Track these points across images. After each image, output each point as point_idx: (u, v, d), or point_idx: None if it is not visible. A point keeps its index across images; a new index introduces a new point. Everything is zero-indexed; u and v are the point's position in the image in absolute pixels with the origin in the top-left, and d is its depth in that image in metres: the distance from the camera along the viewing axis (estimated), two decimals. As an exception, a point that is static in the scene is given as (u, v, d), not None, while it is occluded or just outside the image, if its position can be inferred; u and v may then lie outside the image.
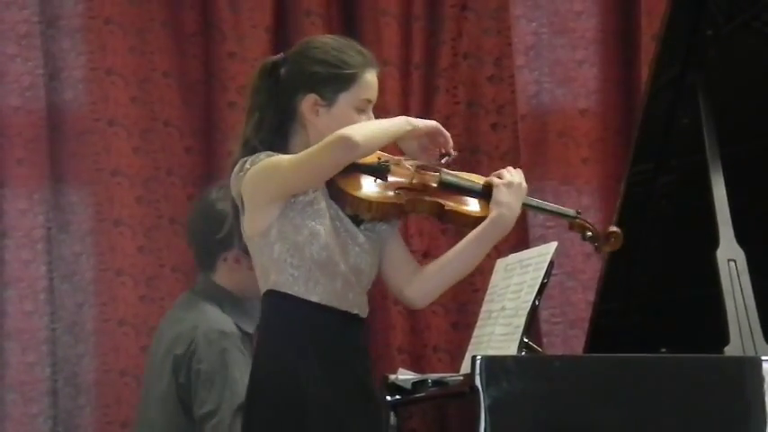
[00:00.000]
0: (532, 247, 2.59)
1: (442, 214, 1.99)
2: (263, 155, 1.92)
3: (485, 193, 2.00)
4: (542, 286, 2.05)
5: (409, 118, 1.97)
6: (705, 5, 2.15)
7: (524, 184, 2.00)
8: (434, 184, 1.99)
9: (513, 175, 2.00)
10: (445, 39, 3.10)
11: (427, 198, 1.98)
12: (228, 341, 2.41)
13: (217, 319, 2.45)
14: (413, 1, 3.09)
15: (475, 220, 1.99)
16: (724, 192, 2.08)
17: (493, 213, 1.97)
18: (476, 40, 3.10)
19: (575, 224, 2.06)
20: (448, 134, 1.98)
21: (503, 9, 3.09)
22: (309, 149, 1.90)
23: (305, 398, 1.90)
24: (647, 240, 2.31)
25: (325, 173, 1.91)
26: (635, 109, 2.99)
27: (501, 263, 2.25)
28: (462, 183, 2.01)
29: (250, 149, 1.94)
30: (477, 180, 2.03)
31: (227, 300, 2.49)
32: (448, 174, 2.00)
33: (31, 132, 3.08)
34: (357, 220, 1.98)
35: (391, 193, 1.95)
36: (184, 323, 2.47)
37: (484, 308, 2.23)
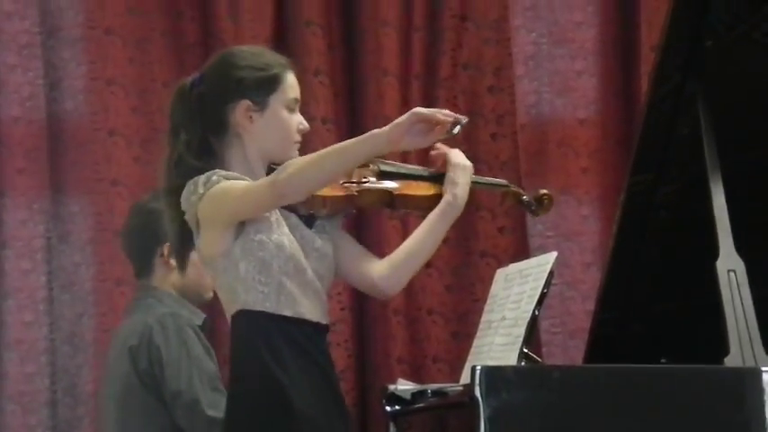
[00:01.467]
0: (532, 256, 2.59)
1: (393, 200, 2.00)
2: (215, 176, 1.91)
3: (428, 176, 2.03)
4: (542, 296, 2.04)
5: (381, 132, 1.85)
6: (705, 16, 2.15)
7: (470, 164, 2.02)
8: (374, 176, 2.00)
9: (459, 156, 2.02)
10: (445, 49, 3.10)
11: (374, 187, 1.99)
12: (181, 320, 2.44)
13: (163, 306, 2.49)
14: (413, 11, 3.10)
15: (427, 201, 2.01)
16: (724, 202, 2.07)
17: (448, 195, 1.99)
18: (476, 50, 3.11)
19: (508, 193, 2.13)
20: (430, 113, 1.88)
21: (502, 19, 3.10)
22: (257, 184, 1.88)
23: (293, 410, 1.89)
24: (646, 250, 2.31)
25: (267, 209, 1.91)
26: (634, 119, 3.00)
27: (501, 273, 2.25)
28: (401, 169, 2.03)
29: (185, 168, 1.93)
30: (417, 166, 2.06)
31: (166, 296, 2.52)
32: (384, 163, 2.02)
33: (32, 142, 3.08)
34: (310, 222, 1.98)
35: (341, 187, 1.97)
36: (132, 321, 2.50)
37: (484, 318, 2.22)
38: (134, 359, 2.43)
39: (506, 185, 2.14)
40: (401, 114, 3.06)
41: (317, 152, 1.88)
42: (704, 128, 2.13)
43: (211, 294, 2.51)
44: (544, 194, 2.12)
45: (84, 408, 3.05)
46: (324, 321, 1.98)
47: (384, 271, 2.00)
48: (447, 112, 1.91)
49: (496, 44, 3.10)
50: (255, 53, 2.00)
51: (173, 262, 2.49)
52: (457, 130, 1.91)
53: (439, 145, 2.03)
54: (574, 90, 3.10)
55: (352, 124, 3.09)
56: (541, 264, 2.10)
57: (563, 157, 3.10)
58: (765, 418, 1.88)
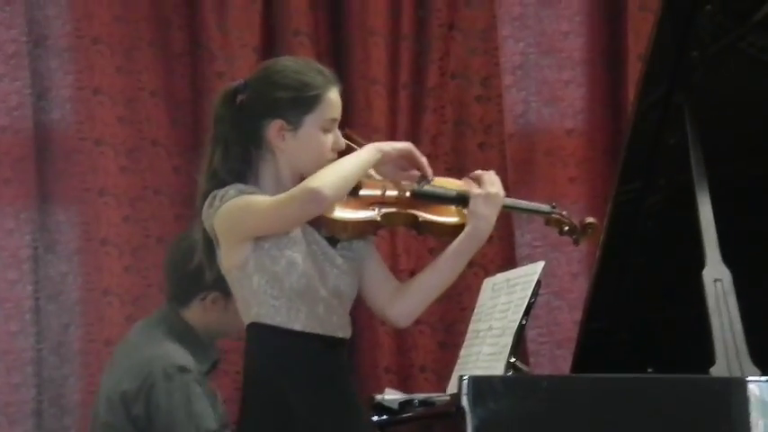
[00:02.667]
0: (520, 266, 2.59)
1: (418, 225, 1.99)
2: (232, 190, 1.91)
3: (460, 200, 2.00)
4: (529, 306, 2.04)
5: (378, 144, 1.94)
6: (691, 26, 2.16)
7: (502, 193, 1.99)
8: (407, 195, 1.98)
9: (492, 183, 1.99)
10: (433, 58, 3.11)
11: (401, 210, 1.97)
12: (189, 376, 2.40)
13: (176, 353, 2.43)
14: (401, 21, 3.11)
15: (452, 229, 1.98)
16: (710, 212, 2.08)
17: (468, 227, 1.97)
18: (463, 60, 3.12)
19: (551, 219, 2.07)
20: (420, 155, 1.96)
21: (490, 29, 3.11)
22: (280, 198, 1.88)
23: (298, 425, 1.89)
24: (633, 260, 2.31)
25: (294, 224, 1.91)
26: (622, 129, 3.00)
27: (488, 282, 2.25)
28: (436, 191, 2.00)
29: (219, 181, 1.93)
30: (452, 186, 2.02)
31: (188, 336, 2.47)
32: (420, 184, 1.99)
33: (19, 152, 3.08)
34: (333, 241, 1.98)
35: (365, 211, 1.95)
36: (139, 355, 2.44)
37: (471, 327, 2.22)
38: (127, 403, 2.39)
39: (548, 212, 2.07)
40: (388, 123, 3.11)
41: (335, 164, 1.90)
42: (691, 138, 2.14)
43: (238, 333, 2.46)
44: (589, 223, 2.05)
45: (71, 418, 3.03)
46: (340, 335, 1.96)
47: (396, 302, 1.98)
48: (427, 165, 1.95)
49: (484, 54, 3.11)
50: (297, 71, 1.96)
51: (212, 307, 2.44)
52: (422, 184, 1.96)
53: (475, 173, 2.02)
54: (561, 100, 3.11)
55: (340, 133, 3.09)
56: (529, 273, 2.10)
57: (550, 167, 3.11)
58: (750, 427, 1.88)
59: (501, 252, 3.07)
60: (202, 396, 2.38)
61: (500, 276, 2.22)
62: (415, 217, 1.97)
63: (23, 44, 3.08)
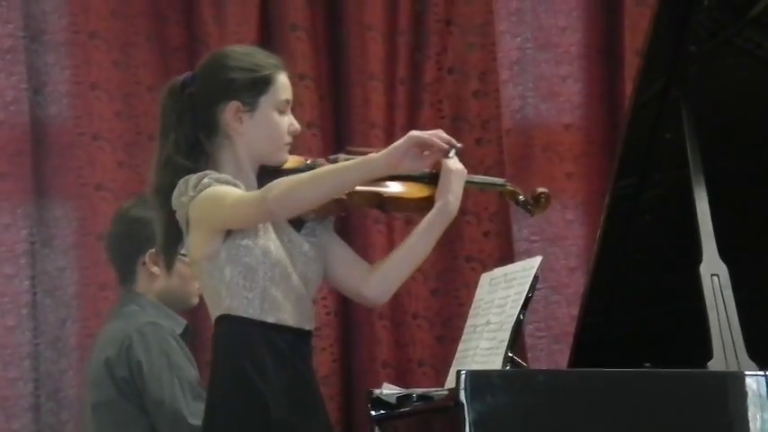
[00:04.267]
0: (517, 261, 2.59)
1: (382, 203, 1.98)
2: (206, 178, 1.90)
3: (421, 176, 1.99)
4: (527, 300, 2.05)
5: (375, 158, 1.84)
6: (688, 21, 2.16)
7: (463, 168, 1.98)
8: None
9: (453, 160, 1.97)
10: (430, 54, 3.11)
11: (363, 189, 1.95)
12: (162, 330, 2.43)
13: (144, 315, 2.48)
14: (398, 16, 3.10)
15: (417, 203, 1.98)
16: (707, 206, 2.08)
17: (439, 202, 1.95)
18: (460, 55, 3.11)
19: (505, 191, 2.09)
20: (426, 137, 1.89)
21: (487, 24, 3.10)
22: (245, 197, 1.87)
23: (270, 417, 1.89)
24: (631, 254, 2.32)
25: (253, 225, 1.90)
26: (619, 124, 3.01)
27: (486, 277, 2.25)
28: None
29: (174, 167, 1.91)
30: None
31: (151, 306, 2.51)
32: None
33: (15, 147, 3.07)
34: (298, 225, 1.97)
35: None
36: (111, 329, 2.49)
37: (468, 322, 2.22)
38: (111, 369, 2.41)
39: (502, 184, 2.11)
40: (385, 119, 3.11)
41: (312, 172, 1.88)
42: (687, 132, 2.14)
43: (196, 301, 2.51)
44: (541, 193, 2.08)
45: (68, 412, 3.03)
46: (307, 327, 1.96)
47: (371, 280, 1.98)
48: (443, 135, 1.91)
49: (481, 49, 3.11)
50: (247, 54, 1.98)
51: (155, 269, 2.49)
52: (452, 154, 1.93)
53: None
54: (558, 95, 3.11)
55: (338, 129, 3.09)
56: (526, 268, 2.10)
57: (548, 162, 3.11)
58: (748, 421, 1.88)
59: (498, 247, 3.07)
60: (179, 350, 2.41)
61: (498, 271, 2.22)
62: (379, 194, 1.97)
63: (20, 39, 3.06)
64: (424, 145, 1.90)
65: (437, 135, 1.90)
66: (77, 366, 3.03)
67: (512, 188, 2.10)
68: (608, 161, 2.95)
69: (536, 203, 2.09)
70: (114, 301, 3.02)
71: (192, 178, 1.90)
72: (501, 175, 3.05)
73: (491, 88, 3.10)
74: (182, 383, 2.38)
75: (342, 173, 1.86)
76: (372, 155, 1.88)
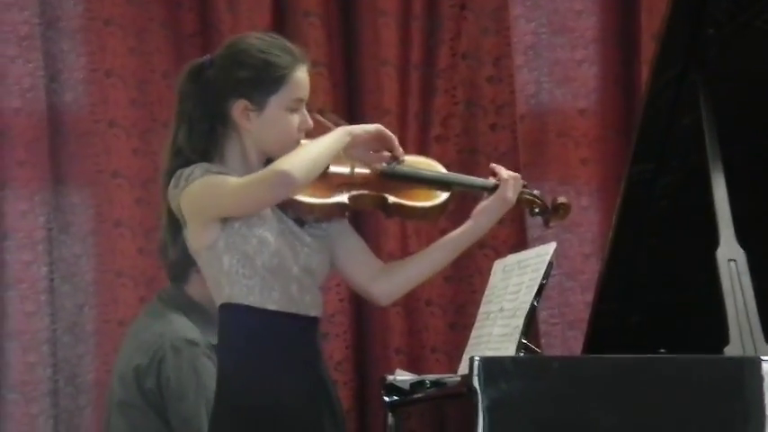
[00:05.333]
0: (531, 247, 2.58)
1: (386, 207, 1.96)
2: (197, 169, 1.89)
3: (431, 182, 1.97)
4: (541, 287, 2.03)
5: (347, 127, 1.91)
6: (706, 4, 2.13)
7: (513, 197, 1.97)
8: (375, 176, 1.95)
9: (513, 190, 1.97)
10: (444, 39, 3.09)
11: (370, 192, 1.94)
12: (197, 349, 2.42)
13: (184, 328, 2.45)
14: (411, 1, 3.08)
15: (421, 211, 1.96)
16: (725, 192, 2.06)
17: (472, 223, 1.96)
18: (475, 40, 3.09)
19: (521, 200, 2.03)
20: (392, 135, 1.94)
21: (502, 9, 3.08)
22: (248, 179, 1.86)
23: (274, 404, 1.89)
24: (646, 241, 2.30)
25: (262, 206, 1.89)
26: (635, 109, 2.98)
27: (499, 264, 2.24)
28: (406, 172, 1.96)
29: (183, 160, 1.91)
30: (424, 167, 1.99)
31: (194, 310, 2.48)
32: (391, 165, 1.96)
33: (32, 134, 3.08)
34: (300, 222, 1.96)
35: (333, 194, 1.92)
36: (149, 331, 2.47)
37: (482, 309, 2.22)
38: (139, 377, 2.41)
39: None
40: (399, 104, 3.09)
41: (304, 147, 1.88)
42: (705, 117, 2.12)
43: None
44: (561, 204, 2.03)
45: (86, 397, 3.06)
46: (312, 313, 1.95)
47: (380, 279, 1.98)
48: (398, 146, 1.94)
49: (496, 34, 3.09)
50: (263, 50, 1.92)
51: None
52: (393, 165, 1.93)
53: (494, 166, 2.00)
54: (574, 80, 3.09)
55: (351, 115, 3.08)
56: (540, 255, 2.09)
57: (563, 148, 3.09)
58: (765, 406, 1.87)
59: (512, 233, 3.06)
60: (210, 368, 2.39)
61: (511, 258, 2.21)
62: (384, 199, 1.95)
63: (36, 26, 3.07)
64: (388, 142, 1.93)
65: (396, 141, 1.94)
66: (95, 352, 3.05)
67: (528, 197, 2.03)
68: (624, 146, 2.93)
69: (554, 213, 2.05)
70: (131, 288, 3.05)
71: (186, 170, 1.89)
72: (515, 162, 3.04)
73: (505, 73, 3.09)
74: (207, 404, 2.37)
75: (323, 141, 1.89)
76: (345, 127, 1.90)
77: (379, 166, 1.94)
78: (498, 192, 1.97)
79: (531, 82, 3.09)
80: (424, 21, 3.09)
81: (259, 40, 1.96)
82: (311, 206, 1.91)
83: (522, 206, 2.05)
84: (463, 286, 3.03)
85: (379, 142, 1.94)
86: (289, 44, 1.97)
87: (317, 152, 1.87)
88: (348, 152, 1.93)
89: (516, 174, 2.00)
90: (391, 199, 1.95)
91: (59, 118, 3.10)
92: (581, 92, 3.09)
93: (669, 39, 2.15)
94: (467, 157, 3.05)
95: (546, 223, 2.08)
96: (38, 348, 3.03)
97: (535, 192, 2.05)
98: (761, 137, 2.25)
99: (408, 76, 3.08)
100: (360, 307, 3.06)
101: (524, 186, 2.03)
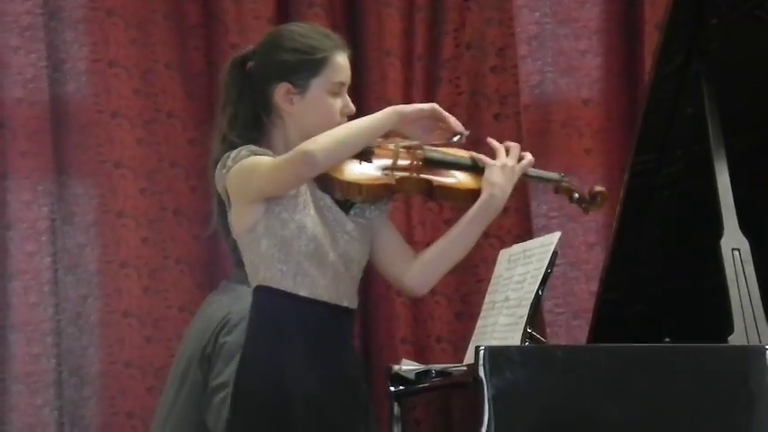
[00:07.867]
0: (536, 237, 2.58)
1: (432, 191, 1.98)
2: (244, 150, 1.91)
3: (473, 167, 2.00)
4: (546, 276, 2.04)
5: (398, 107, 1.94)
6: (709, -6, 2.14)
7: (517, 167, 1.99)
8: (419, 162, 1.97)
9: (509, 157, 1.99)
10: (448, 29, 3.09)
11: (415, 176, 1.96)
12: None
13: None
14: (415, -8, 3.09)
15: (466, 195, 1.98)
16: (728, 181, 2.07)
17: (484, 194, 1.96)
18: (478, 30, 3.09)
19: (560, 187, 2.07)
20: (448, 114, 1.95)
21: (505, -1, 3.09)
22: (278, 159, 1.89)
23: (290, 393, 1.89)
24: (650, 230, 2.31)
25: (290, 185, 1.90)
26: (638, 99, 2.99)
27: (504, 253, 2.25)
28: (448, 158, 1.99)
29: (228, 145, 1.94)
30: (465, 155, 2.02)
31: None
32: (432, 150, 1.99)
33: (35, 124, 3.08)
34: (346, 207, 1.97)
35: (380, 174, 1.94)
36: (218, 304, 2.44)
37: (487, 298, 2.22)
38: (205, 346, 2.33)
39: (558, 179, 2.06)
40: (403, 95, 3.09)
41: (338, 128, 1.90)
42: (708, 107, 2.13)
43: None
44: (598, 192, 2.05)
45: (90, 388, 3.06)
46: (345, 304, 1.95)
47: (413, 269, 1.98)
48: (455, 124, 1.95)
49: (499, 24, 3.09)
50: (304, 35, 1.96)
51: None
52: (456, 139, 1.96)
53: (490, 140, 2.02)
54: (577, 70, 3.09)
55: (355, 105, 3.08)
56: (545, 244, 2.10)
57: (566, 138, 3.09)
58: (769, 395, 1.88)
59: (517, 223, 3.06)
60: None
61: (516, 247, 2.22)
62: (430, 182, 1.97)
63: (38, 16, 3.07)
64: (441, 119, 1.94)
65: (452, 118, 1.95)
66: (99, 343, 3.06)
67: (567, 184, 2.06)
68: (627, 136, 2.93)
69: (592, 201, 2.06)
70: (135, 278, 3.05)
71: (232, 152, 1.92)
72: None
73: (509, 64, 3.09)
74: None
75: (365, 126, 1.90)
76: (395, 107, 1.92)
77: (420, 153, 1.94)
78: (499, 159, 1.99)
79: (534, 72, 3.09)
80: (427, 11, 3.08)
81: (300, 26, 2.02)
82: (359, 186, 1.93)
83: (561, 194, 2.07)
84: (468, 276, 3.04)
85: (436, 121, 1.95)
86: (328, 31, 2.01)
87: (348, 133, 1.88)
88: (405, 131, 1.94)
89: (515, 143, 2.02)
90: (436, 182, 1.97)
91: (62, 108, 3.10)
92: (585, 82, 3.09)
93: (672, 29, 2.15)
94: (471, 148, 3.04)
95: (585, 211, 2.09)
96: (42, 339, 3.04)
97: (572, 182, 2.08)
98: (763, 126, 2.26)
99: (412, 66, 3.08)
100: (365, 296, 3.05)
101: (563, 176, 2.06)
